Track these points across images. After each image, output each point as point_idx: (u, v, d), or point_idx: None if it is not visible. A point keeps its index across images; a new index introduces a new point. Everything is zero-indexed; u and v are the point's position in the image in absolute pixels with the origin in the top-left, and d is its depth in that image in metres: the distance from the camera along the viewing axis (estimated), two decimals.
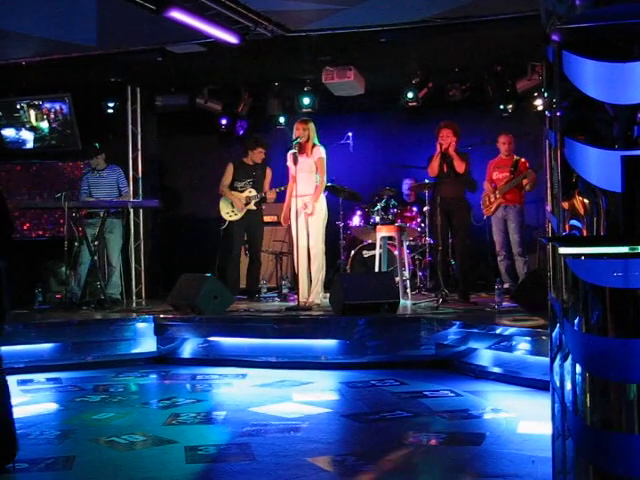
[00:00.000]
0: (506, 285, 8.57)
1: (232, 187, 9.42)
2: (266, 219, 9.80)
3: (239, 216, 9.36)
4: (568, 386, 2.84)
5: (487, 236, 9.13)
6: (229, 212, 9.38)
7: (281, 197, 9.27)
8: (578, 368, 2.80)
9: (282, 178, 8.75)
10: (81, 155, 10.15)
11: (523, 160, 8.87)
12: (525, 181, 8.78)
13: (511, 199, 8.81)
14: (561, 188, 2.85)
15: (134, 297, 10.26)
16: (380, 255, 9.06)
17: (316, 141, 8.17)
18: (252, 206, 9.38)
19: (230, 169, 9.48)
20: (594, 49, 2.76)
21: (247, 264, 9.69)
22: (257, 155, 9.44)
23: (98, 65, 9.18)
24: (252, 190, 9.37)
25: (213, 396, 6.10)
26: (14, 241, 4.16)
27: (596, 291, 2.76)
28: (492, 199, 8.87)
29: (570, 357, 2.82)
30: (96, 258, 8.53)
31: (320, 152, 8.13)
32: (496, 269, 9.07)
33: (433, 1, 7.34)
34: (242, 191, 9.39)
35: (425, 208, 9.51)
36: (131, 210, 10.25)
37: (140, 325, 7.68)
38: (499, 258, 8.95)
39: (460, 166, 8.35)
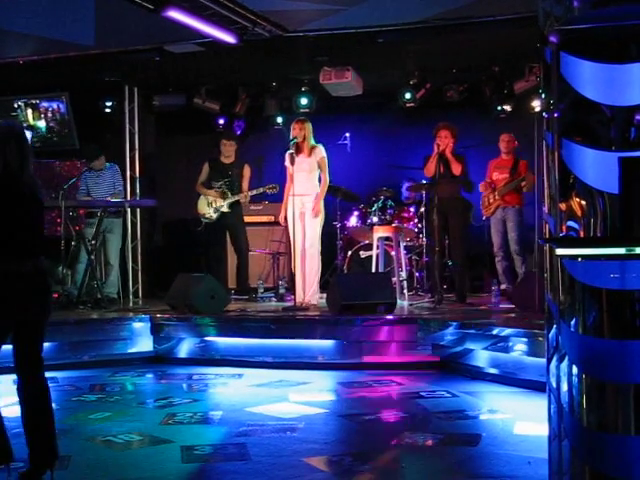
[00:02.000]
0: (503, 286, 8.57)
1: (208, 187, 9.22)
2: (263, 219, 9.76)
3: (214, 217, 9.19)
4: (564, 387, 2.84)
5: (485, 237, 9.11)
6: (205, 213, 9.22)
7: (269, 197, 9.43)
8: (574, 369, 2.80)
9: (280, 178, 8.72)
10: (79, 154, 10.13)
11: (523, 161, 8.80)
12: (523, 182, 8.73)
13: (510, 200, 8.75)
14: (558, 189, 2.85)
15: (131, 297, 10.23)
16: (377, 256, 9.07)
17: (313, 141, 8.19)
18: (225, 209, 9.12)
19: (206, 168, 9.29)
20: (591, 50, 2.77)
21: (236, 264, 9.59)
22: (226, 149, 9.20)
23: (96, 64, 9.15)
24: (227, 192, 9.14)
25: (209, 396, 6.10)
26: None
27: (593, 292, 2.76)
28: (491, 200, 8.84)
29: (566, 358, 2.83)
30: (93, 257, 8.53)
31: (322, 152, 8.19)
32: (493, 270, 9.06)
33: (431, 2, 7.35)
34: (217, 192, 9.23)
35: (422, 209, 9.50)
36: (128, 209, 10.23)
37: (137, 324, 7.68)
38: (497, 259, 8.92)
39: (457, 168, 8.36)
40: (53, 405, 5.75)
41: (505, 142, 8.89)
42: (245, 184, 9.19)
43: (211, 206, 9.19)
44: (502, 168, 8.90)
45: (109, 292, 8.95)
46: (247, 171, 9.23)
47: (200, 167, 9.39)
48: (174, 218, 11.51)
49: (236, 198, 9.11)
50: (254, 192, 9.04)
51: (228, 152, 9.23)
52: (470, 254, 8.82)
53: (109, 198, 8.91)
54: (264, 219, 9.81)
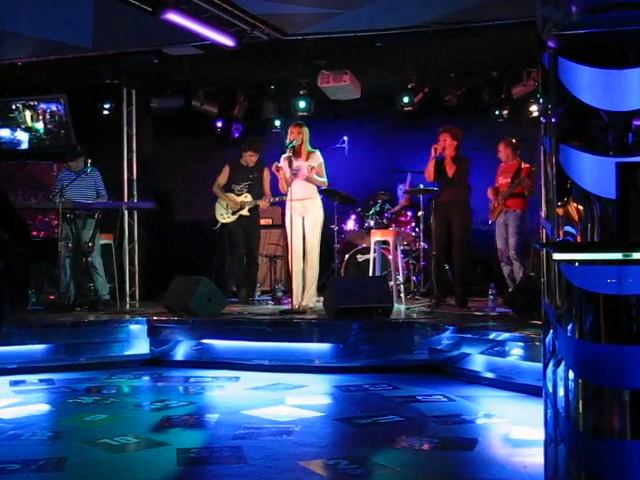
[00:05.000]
0: (510, 290, 8.54)
1: (229, 189, 9.31)
2: (260, 222, 9.75)
3: (232, 219, 9.28)
4: (561, 392, 2.84)
5: (492, 241, 9.08)
6: (223, 214, 9.31)
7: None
8: (571, 374, 2.80)
9: (276, 182, 8.71)
10: (61, 157, 10.11)
11: (526, 166, 8.76)
12: (521, 186, 8.71)
13: (512, 204, 8.76)
14: (556, 194, 2.85)
15: (128, 299, 10.21)
16: (374, 259, 9.07)
17: (310, 147, 8.18)
18: (245, 212, 9.22)
19: (226, 170, 9.35)
20: (590, 56, 2.77)
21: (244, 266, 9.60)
22: (248, 158, 9.28)
23: (94, 66, 9.17)
24: (248, 195, 9.21)
25: (206, 399, 6.09)
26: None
27: (590, 297, 2.76)
28: (495, 204, 8.87)
29: (563, 363, 2.83)
30: (90, 259, 8.52)
31: (319, 157, 8.19)
32: (490, 274, 9.05)
33: (429, 6, 7.36)
34: (238, 194, 9.26)
35: (420, 213, 9.51)
36: (125, 212, 10.23)
37: (133, 327, 7.67)
38: (502, 263, 8.92)
39: (450, 169, 8.37)
40: (49, 407, 5.78)
41: (498, 151, 8.95)
42: (267, 186, 9.26)
43: (229, 208, 9.23)
44: (506, 173, 8.93)
45: (101, 294, 8.89)
46: (267, 174, 9.26)
47: (220, 169, 9.42)
48: (171, 220, 11.52)
49: (258, 203, 9.20)
50: (276, 199, 9.04)
51: (252, 162, 9.30)
52: (472, 258, 8.79)
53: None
54: (261, 222, 9.80)
